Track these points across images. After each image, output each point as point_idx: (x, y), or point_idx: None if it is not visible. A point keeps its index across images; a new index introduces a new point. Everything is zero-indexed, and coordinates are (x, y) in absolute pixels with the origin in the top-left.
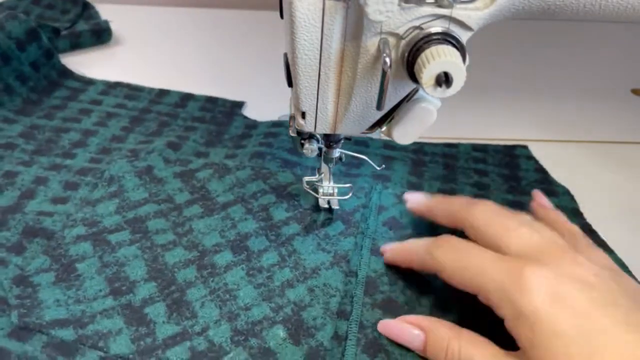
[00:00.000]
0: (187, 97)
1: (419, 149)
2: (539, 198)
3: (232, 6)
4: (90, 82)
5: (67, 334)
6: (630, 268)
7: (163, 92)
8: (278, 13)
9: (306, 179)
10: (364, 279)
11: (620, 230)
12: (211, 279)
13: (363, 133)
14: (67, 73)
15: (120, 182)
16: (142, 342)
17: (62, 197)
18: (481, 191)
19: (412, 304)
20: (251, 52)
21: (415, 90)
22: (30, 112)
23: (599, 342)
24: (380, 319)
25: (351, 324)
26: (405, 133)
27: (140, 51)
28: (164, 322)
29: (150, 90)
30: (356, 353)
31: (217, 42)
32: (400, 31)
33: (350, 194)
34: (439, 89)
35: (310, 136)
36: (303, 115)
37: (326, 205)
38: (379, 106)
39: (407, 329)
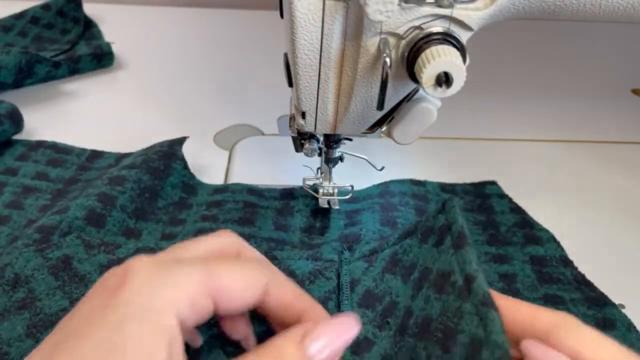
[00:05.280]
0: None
1: (385, 192)
2: None
3: (232, 6)
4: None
5: None
6: (631, 268)
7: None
8: (278, 13)
9: (306, 178)
10: None
11: (620, 230)
12: None
13: (363, 133)
14: None
15: (29, 286)
16: None
17: None
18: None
19: None
20: (251, 52)
21: (415, 90)
22: None
23: None
24: None
25: None
26: (405, 133)
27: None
28: None
29: (81, 152)
30: None
31: (217, 42)
32: (401, 31)
33: (350, 195)
34: (439, 89)
35: (311, 136)
36: (303, 115)
37: (326, 205)
38: (379, 106)
39: None
